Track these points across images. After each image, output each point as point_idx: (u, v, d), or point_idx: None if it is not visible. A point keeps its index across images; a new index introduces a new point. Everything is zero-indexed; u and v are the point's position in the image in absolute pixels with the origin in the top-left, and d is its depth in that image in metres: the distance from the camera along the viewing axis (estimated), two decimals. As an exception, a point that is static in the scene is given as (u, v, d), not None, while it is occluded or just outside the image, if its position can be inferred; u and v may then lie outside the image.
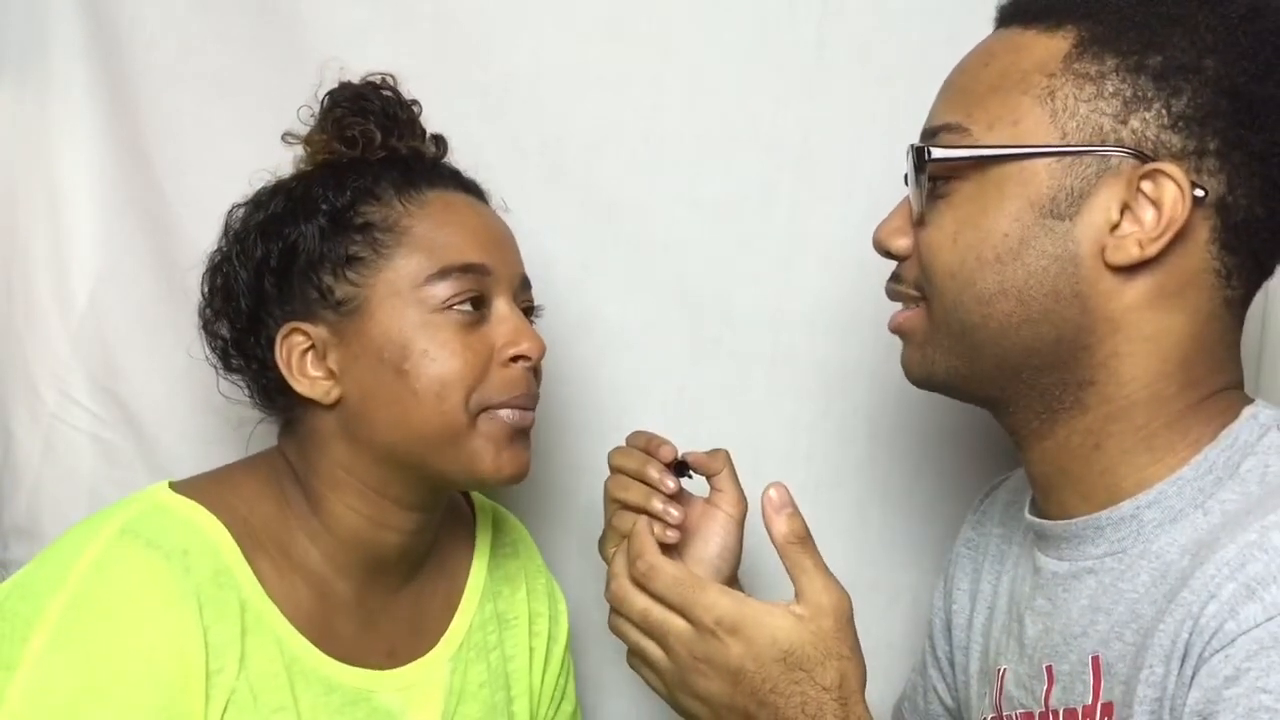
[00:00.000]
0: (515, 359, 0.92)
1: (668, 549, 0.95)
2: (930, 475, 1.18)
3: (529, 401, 0.93)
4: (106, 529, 0.83)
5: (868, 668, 0.80)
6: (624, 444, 0.97)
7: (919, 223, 0.81)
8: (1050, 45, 0.77)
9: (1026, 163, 0.76)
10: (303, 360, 0.90)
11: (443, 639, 0.99)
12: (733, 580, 0.99)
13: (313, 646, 0.88)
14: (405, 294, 0.90)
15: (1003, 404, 0.82)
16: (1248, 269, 0.78)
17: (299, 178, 0.95)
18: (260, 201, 0.95)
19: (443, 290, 0.90)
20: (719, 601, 0.78)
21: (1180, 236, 0.74)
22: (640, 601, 0.80)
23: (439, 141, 1.00)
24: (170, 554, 0.82)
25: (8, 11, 1.20)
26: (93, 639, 0.79)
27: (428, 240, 0.91)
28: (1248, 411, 0.78)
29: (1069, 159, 0.75)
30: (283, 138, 0.98)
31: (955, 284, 0.79)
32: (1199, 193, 0.74)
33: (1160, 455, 0.77)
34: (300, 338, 0.90)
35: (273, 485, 0.92)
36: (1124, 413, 0.77)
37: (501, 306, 0.93)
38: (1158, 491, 0.76)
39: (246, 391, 0.96)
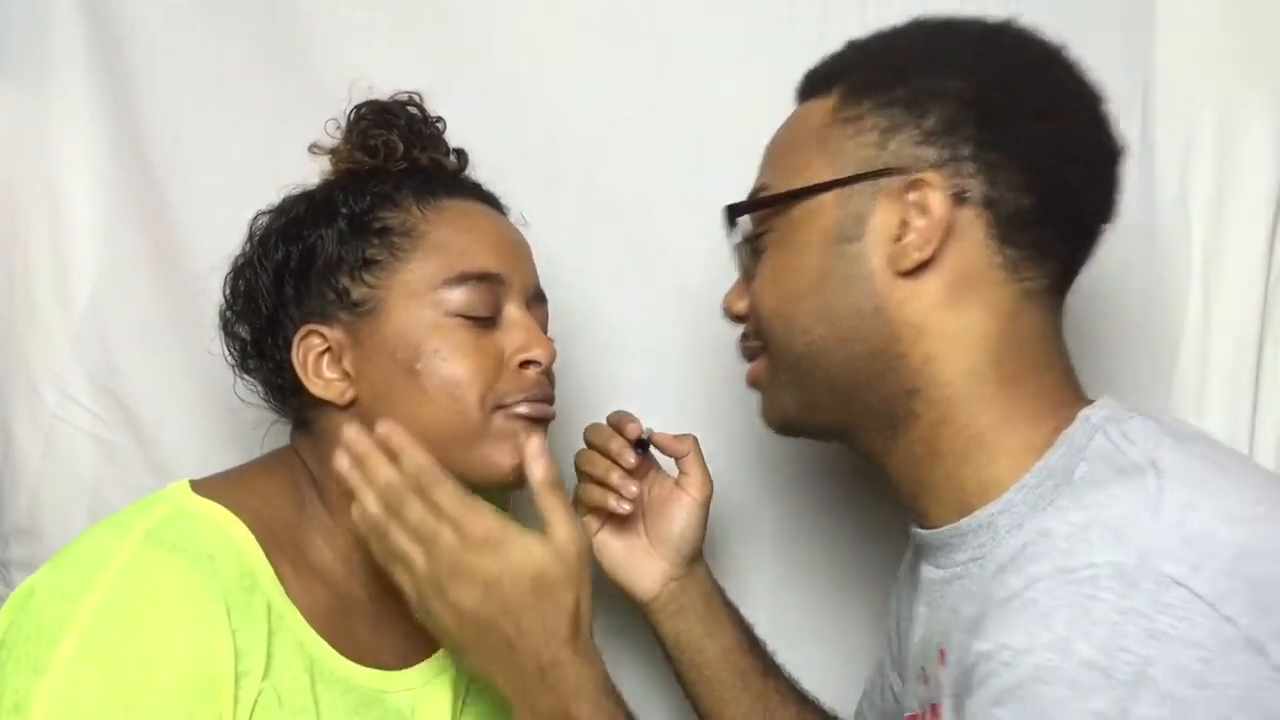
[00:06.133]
0: (526, 364, 0.92)
1: (624, 521, 1.01)
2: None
3: (544, 396, 0.93)
4: (132, 533, 0.83)
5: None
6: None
7: (748, 278, 0.89)
8: (823, 105, 0.87)
9: (815, 201, 0.84)
10: (318, 362, 0.91)
11: (448, 639, 0.99)
12: (696, 560, 1.03)
13: (330, 648, 0.88)
14: (420, 296, 0.90)
15: (849, 430, 0.87)
16: (1037, 260, 0.83)
17: (322, 185, 0.97)
18: (284, 208, 0.96)
19: (457, 296, 0.90)
20: (490, 519, 0.83)
21: (953, 235, 0.81)
22: (418, 509, 0.84)
23: (461, 156, 1.01)
24: (197, 558, 0.82)
25: (8, 12, 1.20)
26: (122, 645, 0.78)
27: (444, 246, 0.92)
28: (1082, 414, 0.81)
29: (847, 189, 0.83)
30: (309, 149, 0.98)
31: (781, 322, 0.86)
32: (961, 190, 0.81)
33: (994, 455, 0.81)
34: (317, 339, 0.91)
35: (289, 486, 0.92)
36: (949, 416, 0.82)
37: (514, 312, 0.93)
38: (1007, 500, 0.80)
39: (261, 393, 0.96)
